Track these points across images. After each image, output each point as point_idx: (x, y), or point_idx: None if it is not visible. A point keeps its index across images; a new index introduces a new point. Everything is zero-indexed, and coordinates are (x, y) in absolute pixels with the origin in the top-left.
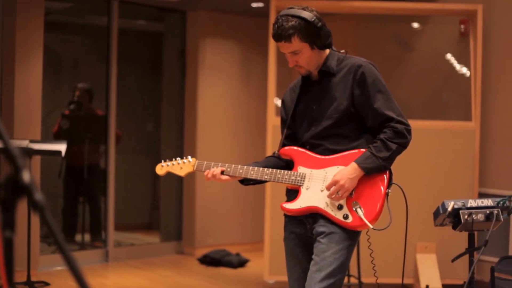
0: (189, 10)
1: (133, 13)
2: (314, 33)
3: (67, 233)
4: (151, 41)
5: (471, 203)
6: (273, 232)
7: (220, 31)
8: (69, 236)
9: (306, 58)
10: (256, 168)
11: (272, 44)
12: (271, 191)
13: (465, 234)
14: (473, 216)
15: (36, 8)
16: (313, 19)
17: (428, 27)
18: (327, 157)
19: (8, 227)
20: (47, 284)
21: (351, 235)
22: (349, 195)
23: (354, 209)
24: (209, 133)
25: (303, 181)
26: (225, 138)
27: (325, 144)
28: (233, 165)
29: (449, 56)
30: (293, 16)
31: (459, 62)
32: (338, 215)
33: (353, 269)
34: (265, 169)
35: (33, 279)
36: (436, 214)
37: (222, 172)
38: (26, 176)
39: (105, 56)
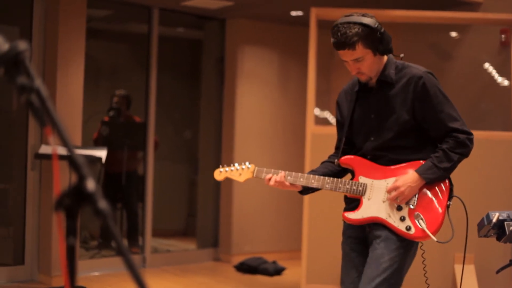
0: (228, 18)
1: (173, 21)
2: (377, 39)
3: (104, 239)
4: (190, 49)
5: None
6: (311, 240)
7: (259, 39)
8: (106, 242)
9: (369, 64)
10: (317, 176)
11: (312, 52)
12: (309, 200)
13: (503, 245)
14: None
15: (78, 16)
16: (376, 25)
17: (468, 37)
18: (388, 167)
19: (71, 234)
20: None
21: (408, 242)
22: (411, 207)
23: (416, 220)
24: (247, 141)
25: (365, 191)
26: (263, 146)
27: (388, 155)
28: (294, 173)
29: (487, 65)
30: (355, 23)
31: (500, 72)
32: (401, 227)
33: None
34: (326, 178)
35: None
36: (481, 225)
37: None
38: (90, 184)
39: (145, 63)
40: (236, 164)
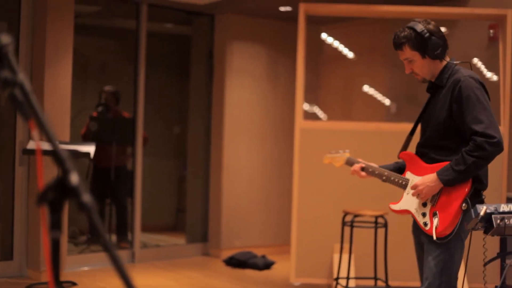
0: (217, 13)
1: (161, 16)
2: (423, 43)
3: (93, 234)
4: (179, 44)
5: (504, 207)
6: (300, 234)
7: (248, 34)
8: (95, 237)
9: (419, 66)
10: (379, 168)
11: (300, 48)
12: (298, 194)
13: (491, 238)
14: (506, 220)
15: (66, 11)
16: (421, 30)
17: (456, 32)
18: (428, 165)
19: (55, 228)
20: (74, 284)
21: (446, 238)
22: (433, 205)
23: (433, 218)
24: (236, 136)
25: (406, 186)
26: (252, 141)
27: (429, 153)
28: (366, 164)
29: (475, 60)
30: (409, 27)
31: (488, 67)
32: (421, 222)
33: (380, 272)
34: (385, 171)
35: (60, 279)
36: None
37: (362, 169)
38: (74, 178)
39: (133, 59)
40: (341, 151)
